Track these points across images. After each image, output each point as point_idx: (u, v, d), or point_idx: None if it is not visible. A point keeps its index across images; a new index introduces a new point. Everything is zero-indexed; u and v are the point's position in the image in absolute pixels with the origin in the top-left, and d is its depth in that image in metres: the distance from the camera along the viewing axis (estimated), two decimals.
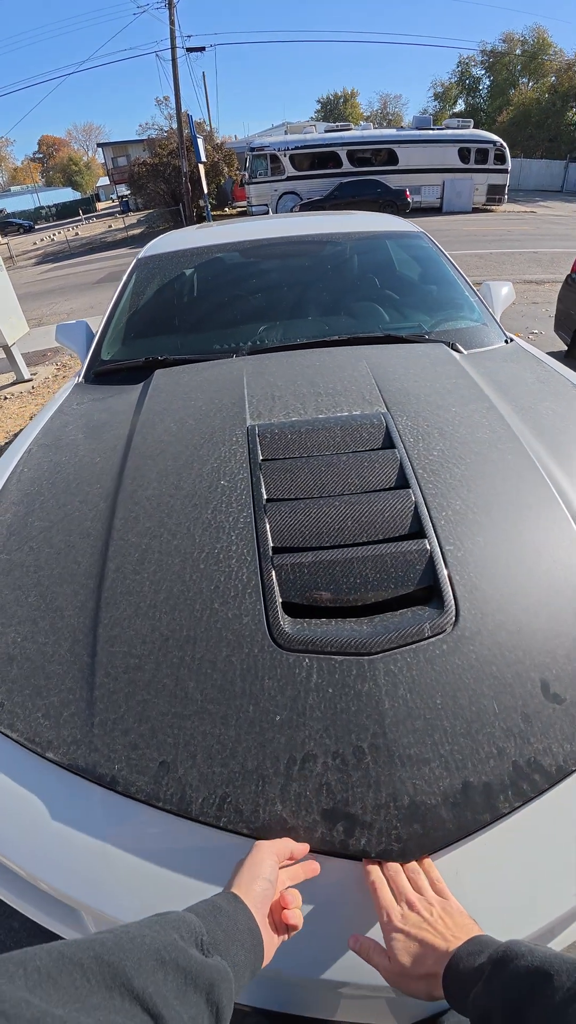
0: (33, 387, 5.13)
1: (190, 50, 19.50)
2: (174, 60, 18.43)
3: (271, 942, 0.56)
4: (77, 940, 0.38)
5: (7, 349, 5.01)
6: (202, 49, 19.71)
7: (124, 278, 2.26)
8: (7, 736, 0.78)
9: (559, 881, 0.65)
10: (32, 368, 5.60)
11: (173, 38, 18.14)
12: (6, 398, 4.95)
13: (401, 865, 0.64)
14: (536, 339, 5.11)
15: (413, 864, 0.64)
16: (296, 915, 0.58)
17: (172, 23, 17.98)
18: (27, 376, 5.32)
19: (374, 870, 0.63)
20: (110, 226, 25.46)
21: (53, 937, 0.77)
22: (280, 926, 0.58)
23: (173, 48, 18.28)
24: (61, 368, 5.71)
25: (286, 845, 0.62)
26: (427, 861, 0.65)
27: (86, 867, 0.68)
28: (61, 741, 0.76)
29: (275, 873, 0.59)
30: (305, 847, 0.64)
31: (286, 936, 0.59)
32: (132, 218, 25.80)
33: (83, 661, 0.83)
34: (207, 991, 0.42)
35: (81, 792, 0.73)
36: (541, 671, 0.76)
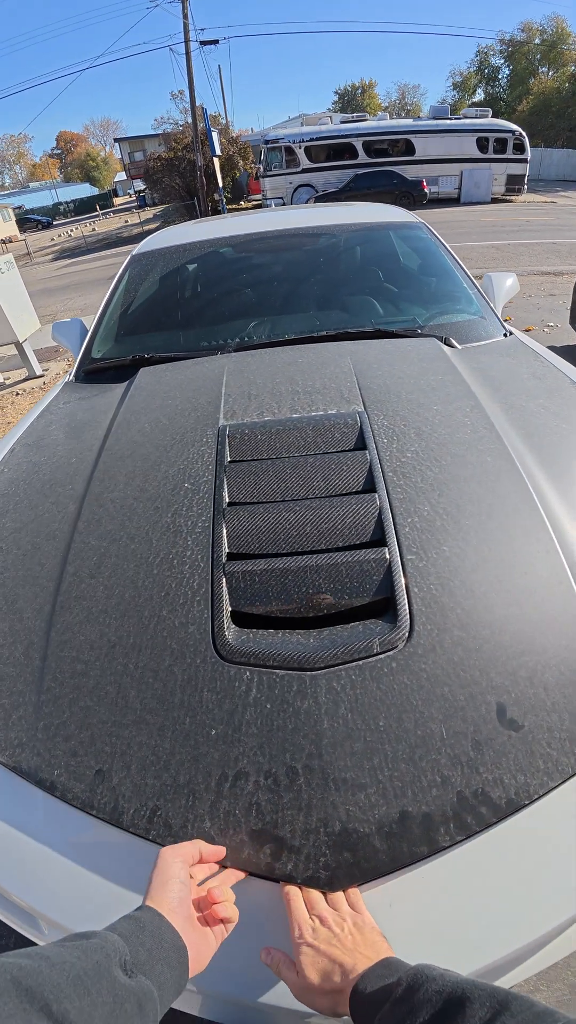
0: (44, 383, 5.17)
1: (204, 43, 19.33)
2: (188, 53, 18.32)
3: (205, 942, 0.55)
4: None
5: (19, 345, 5.05)
6: (216, 42, 19.52)
7: (117, 275, 2.24)
8: None
9: (501, 922, 0.61)
10: (44, 364, 5.65)
11: (187, 31, 18.02)
12: (18, 394, 4.99)
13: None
14: (552, 332, 4.98)
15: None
16: (227, 908, 0.57)
17: (185, 16, 17.85)
18: (39, 372, 5.37)
19: (291, 886, 0.62)
20: (127, 221, 25.57)
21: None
22: (214, 921, 0.57)
23: (187, 41, 18.16)
24: (72, 364, 5.74)
25: (194, 847, 0.60)
26: (352, 889, 0.62)
27: (28, 869, 0.68)
28: (8, 743, 0.76)
29: (185, 874, 0.58)
30: (221, 850, 0.62)
31: (224, 931, 0.58)
32: (148, 213, 25.87)
33: (35, 664, 0.83)
34: (137, 1014, 0.41)
35: (25, 795, 0.73)
36: (499, 694, 0.72)
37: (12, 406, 4.70)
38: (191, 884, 0.58)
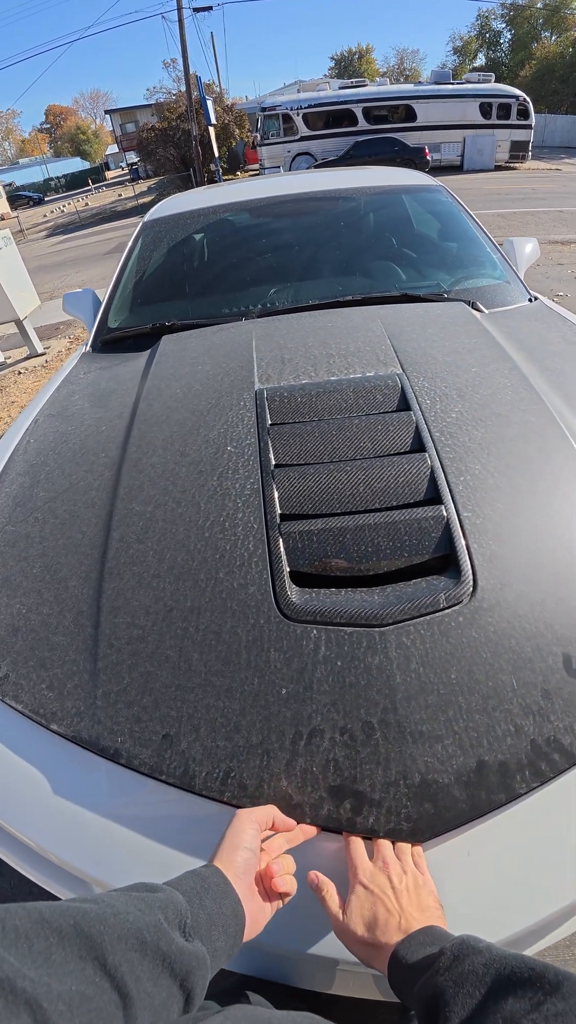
0: (47, 361, 5.10)
1: (197, 10, 18.74)
2: (180, 21, 17.68)
3: (261, 912, 0.55)
4: (60, 904, 0.37)
5: (19, 323, 4.97)
6: (209, 8, 18.93)
7: (130, 243, 2.19)
8: (12, 708, 0.77)
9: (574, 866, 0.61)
10: (45, 342, 5.56)
11: None
12: (20, 373, 4.93)
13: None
14: (561, 301, 4.89)
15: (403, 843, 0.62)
16: (286, 881, 0.57)
17: None
18: (40, 350, 5.30)
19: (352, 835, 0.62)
20: (120, 195, 24.97)
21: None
22: (272, 894, 0.57)
23: (180, 8, 17.52)
24: (74, 341, 5.66)
25: (267, 813, 0.60)
26: (416, 847, 0.62)
27: (91, 840, 0.67)
28: (65, 713, 0.74)
29: (256, 842, 0.57)
30: (292, 823, 0.62)
31: (280, 903, 0.57)
32: (142, 186, 25.23)
33: (87, 632, 0.81)
34: (182, 978, 0.41)
35: (85, 764, 0.72)
36: (564, 645, 0.71)
37: (15, 385, 4.64)
38: (259, 854, 0.57)
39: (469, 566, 0.77)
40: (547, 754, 0.65)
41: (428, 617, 0.72)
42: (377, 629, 0.72)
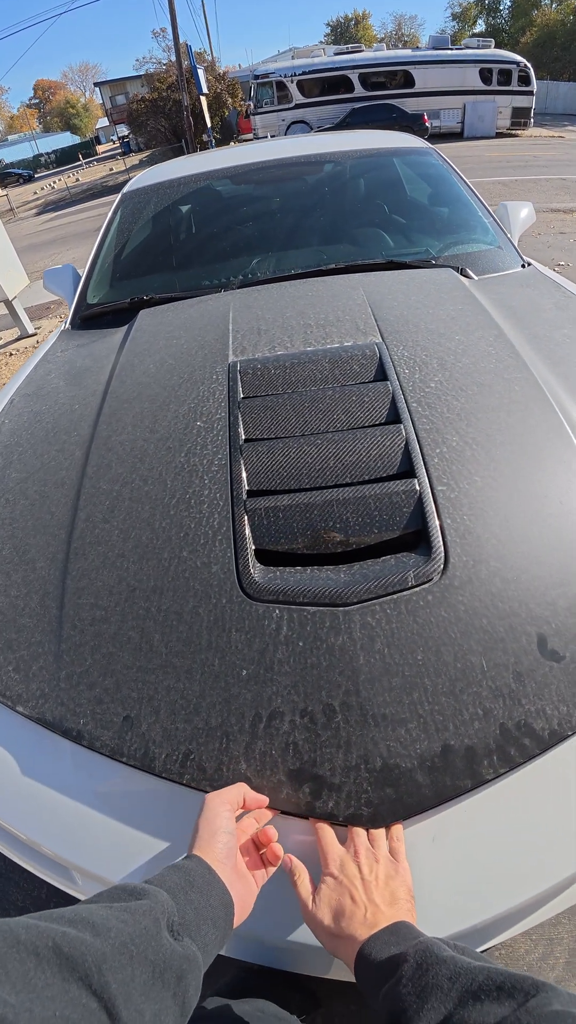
0: (37, 342, 5.01)
1: None
2: None
3: (249, 893, 0.54)
4: (37, 924, 0.35)
5: (8, 304, 4.87)
6: None
7: (109, 215, 2.11)
8: None
9: (545, 854, 0.59)
10: (36, 322, 5.46)
11: None
12: (11, 354, 4.85)
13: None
14: (563, 271, 4.78)
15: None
16: (277, 848, 0.57)
17: None
18: (31, 331, 5.20)
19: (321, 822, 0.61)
20: (111, 169, 24.35)
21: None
22: (256, 867, 0.57)
23: None
24: (65, 320, 5.56)
25: (238, 792, 0.59)
26: (396, 827, 0.60)
27: (57, 819, 0.67)
28: (31, 695, 0.74)
29: (232, 824, 0.56)
30: (264, 800, 0.61)
31: (265, 878, 0.57)
32: (134, 159, 24.57)
33: (52, 614, 0.80)
34: (175, 984, 0.39)
35: (51, 746, 0.71)
36: (539, 625, 0.68)
37: (6, 367, 4.57)
38: (237, 835, 0.56)
39: (441, 542, 0.74)
40: (517, 739, 0.62)
41: (395, 596, 0.69)
42: (341, 609, 0.69)
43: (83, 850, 0.65)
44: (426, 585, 0.70)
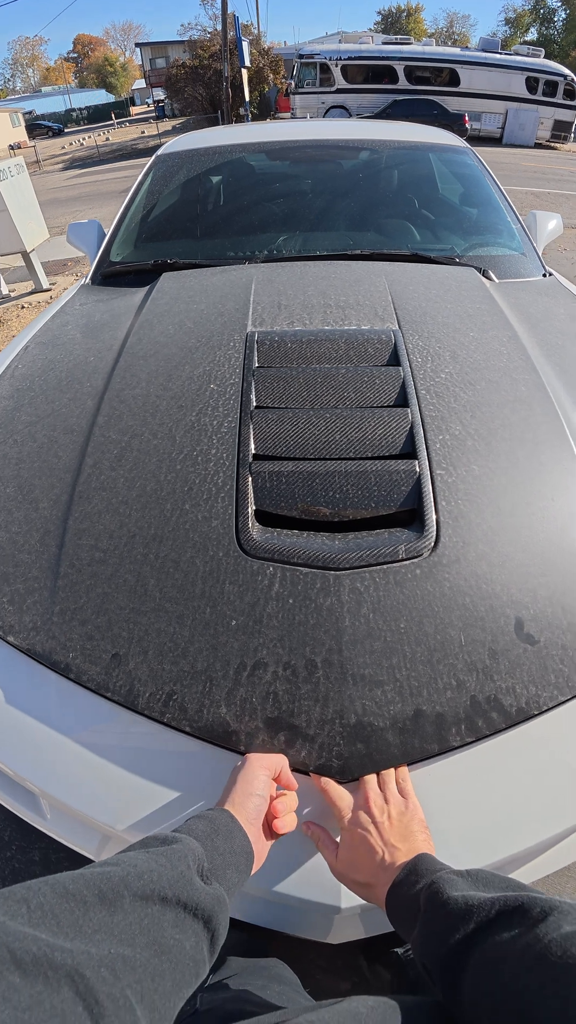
0: (52, 297, 4.97)
1: None
2: None
3: (262, 850, 0.56)
4: (82, 874, 0.38)
5: (26, 256, 4.81)
6: None
7: (140, 176, 2.10)
8: None
9: (504, 825, 0.63)
10: (51, 278, 5.41)
11: None
12: (23, 307, 4.80)
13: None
14: None
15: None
16: (291, 819, 0.59)
17: None
18: (46, 286, 5.15)
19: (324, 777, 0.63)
20: (143, 132, 23.92)
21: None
22: (270, 832, 0.58)
23: None
24: (81, 278, 5.51)
25: (278, 762, 0.61)
26: (402, 768, 0.63)
27: (38, 750, 0.69)
28: (22, 626, 0.76)
29: (268, 788, 0.58)
30: (295, 784, 0.63)
31: (275, 838, 0.59)
32: (167, 124, 24.14)
33: (51, 552, 0.82)
34: (206, 920, 0.42)
35: (38, 677, 0.73)
36: (518, 609, 0.72)
37: (17, 319, 4.53)
38: (268, 800, 0.58)
39: (434, 522, 0.77)
40: (486, 712, 0.65)
41: (385, 566, 0.72)
42: (332, 572, 0.72)
43: (58, 780, 0.67)
44: (416, 560, 0.74)
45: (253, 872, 0.54)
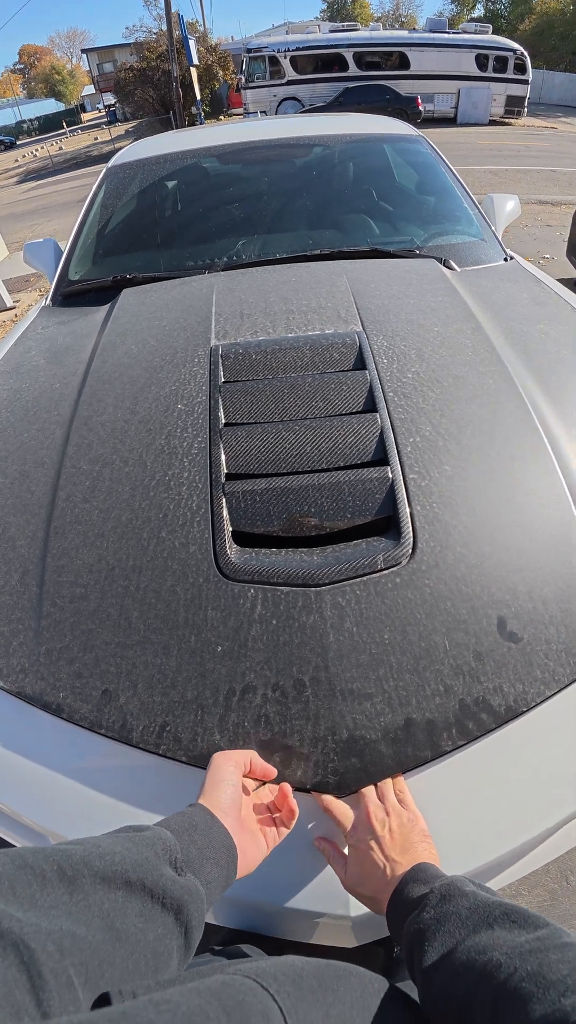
0: (16, 315, 4.90)
1: None
2: None
3: (255, 846, 0.55)
4: (43, 848, 0.37)
5: None
6: None
7: (92, 189, 2.07)
8: None
9: (501, 822, 0.64)
10: (15, 295, 5.34)
11: None
12: None
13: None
14: (548, 264, 4.82)
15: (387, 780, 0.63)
16: (293, 804, 0.58)
17: None
18: (9, 304, 5.09)
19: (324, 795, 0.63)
20: (96, 138, 23.57)
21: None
22: (268, 828, 0.58)
23: None
24: (44, 294, 5.44)
25: (245, 755, 0.61)
26: (398, 779, 0.63)
27: (39, 792, 0.69)
28: (11, 669, 0.75)
29: (236, 777, 0.58)
30: (272, 770, 0.63)
31: (278, 838, 0.58)
32: (120, 129, 23.84)
33: (32, 591, 0.81)
34: (175, 911, 0.41)
35: (32, 719, 0.73)
36: (499, 608, 0.72)
37: None
38: (242, 790, 0.58)
39: (410, 528, 0.77)
40: (475, 714, 0.66)
41: (365, 578, 0.72)
42: (313, 589, 0.72)
43: (64, 819, 0.67)
44: (394, 568, 0.74)
45: (245, 873, 0.53)
